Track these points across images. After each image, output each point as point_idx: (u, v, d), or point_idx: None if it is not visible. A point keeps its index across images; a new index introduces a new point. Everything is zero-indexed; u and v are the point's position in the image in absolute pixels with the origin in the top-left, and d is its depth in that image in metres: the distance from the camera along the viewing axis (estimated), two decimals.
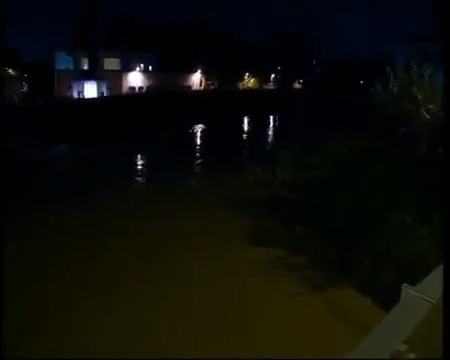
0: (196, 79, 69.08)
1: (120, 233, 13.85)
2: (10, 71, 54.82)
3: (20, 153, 24.77)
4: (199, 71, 68.79)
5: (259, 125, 50.88)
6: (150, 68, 61.22)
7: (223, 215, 15.50)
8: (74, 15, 56.46)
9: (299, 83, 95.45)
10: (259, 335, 8.50)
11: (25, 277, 10.72)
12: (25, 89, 52.03)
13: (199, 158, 29.49)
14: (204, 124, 45.92)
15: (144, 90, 57.69)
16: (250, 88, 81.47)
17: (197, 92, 65.52)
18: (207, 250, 12.65)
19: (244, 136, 43.59)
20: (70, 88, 48.17)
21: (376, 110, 13.60)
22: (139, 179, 23.63)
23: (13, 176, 20.77)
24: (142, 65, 59.39)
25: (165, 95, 49.67)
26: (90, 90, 47.58)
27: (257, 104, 61.41)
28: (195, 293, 10.13)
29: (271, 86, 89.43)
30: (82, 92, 47.45)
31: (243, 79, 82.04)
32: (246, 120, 54.84)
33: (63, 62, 52.48)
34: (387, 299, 8.29)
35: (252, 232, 13.64)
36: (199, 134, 42.52)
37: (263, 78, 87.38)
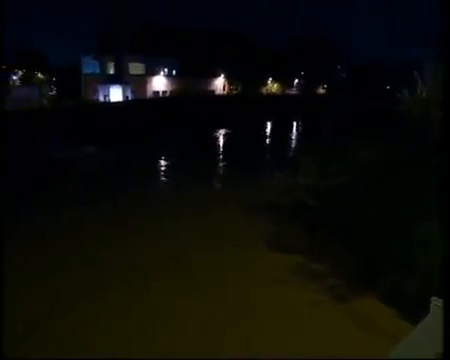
0: (219, 84, 69.36)
1: (138, 231, 14.02)
2: (39, 75, 56.59)
3: (48, 154, 25.56)
4: (222, 76, 69.05)
5: (281, 130, 50.55)
6: (174, 72, 61.85)
7: (244, 219, 15.47)
8: (100, 20, 57.77)
9: (323, 88, 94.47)
10: (278, 342, 8.32)
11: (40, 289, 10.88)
12: (54, 92, 53.61)
13: (221, 162, 29.51)
14: (227, 128, 45.97)
15: (168, 94, 58.33)
16: (273, 93, 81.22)
17: (220, 97, 65.75)
18: (226, 252, 12.55)
19: (266, 141, 43.36)
20: (96, 92, 49.22)
21: (403, 116, 13.23)
22: (164, 180, 23.96)
23: (40, 176, 21.39)
24: (166, 69, 60.06)
25: (188, 99, 50.05)
26: (116, 94, 48.47)
27: (280, 109, 61.13)
28: (208, 297, 10.02)
29: (294, 91, 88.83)
30: (108, 96, 48.41)
31: (266, 84, 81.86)
32: (268, 125, 54.61)
33: (89, 66, 53.68)
34: (412, 310, 8.00)
35: (273, 237, 13.48)
36: (222, 138, 42.56)
37: (286, 83, 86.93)
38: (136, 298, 9.91)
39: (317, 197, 13.21)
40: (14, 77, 52.23)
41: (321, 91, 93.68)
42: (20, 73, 53.50)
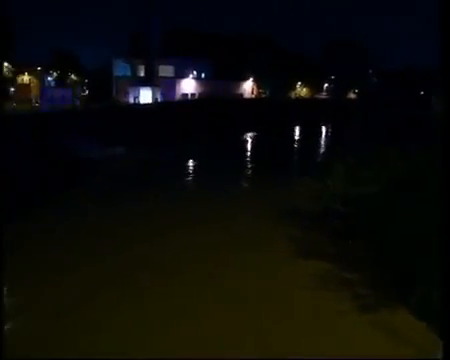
0: (248, 87, 69.33)
1: (163, 227, 14.21)
2: (73, 76, 58.39)
3: (80, 153, 26.31)
4: (251, 79, 69.00)
5: (309, 135, 49.96)
6: (203, 75, 62.31)
7: (271, 223, 15.39)
8: (131, 24, 59.14)
9: (354, 93, 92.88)
10: (301, 349, 8.20)
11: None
12: (86, 93, 55.21)
13: (249, 164, 29.52)
14: (255, 132, 45.87)
15: (196, 97, 58.82)
16: (302, 97, 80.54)
17: (248, 100, 65.72)
18: (252, 256, 12.48)
19: (294, 145, 42.97)
20: (127, 93, 50.31)
21: (437, 122, 12.85)
22: (190, 181, 24.22)
23: (71, 174, 22.05)
24: (195, 72, 60.58)
25: (216, 102, 50.26)
26: (145, 96, 49.36)
27: (308, 114, 60.53)
28: (233, 300, 9.97)
29: (324, 96, 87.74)
30: (138, 97, 49.35)
31: (295, 88, 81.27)
32: (297, 130, 54.14)
33: (120, 69, 54.97)
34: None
35: (300, 242, 13.31)
36: (250, 142, 42.50)
37: (316, 87, 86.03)
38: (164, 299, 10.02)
39: (347, 204, 12.98)
40: (49, 78, 54.05)
41: (352, 96, 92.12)
42: (55, 74, 55.31)
